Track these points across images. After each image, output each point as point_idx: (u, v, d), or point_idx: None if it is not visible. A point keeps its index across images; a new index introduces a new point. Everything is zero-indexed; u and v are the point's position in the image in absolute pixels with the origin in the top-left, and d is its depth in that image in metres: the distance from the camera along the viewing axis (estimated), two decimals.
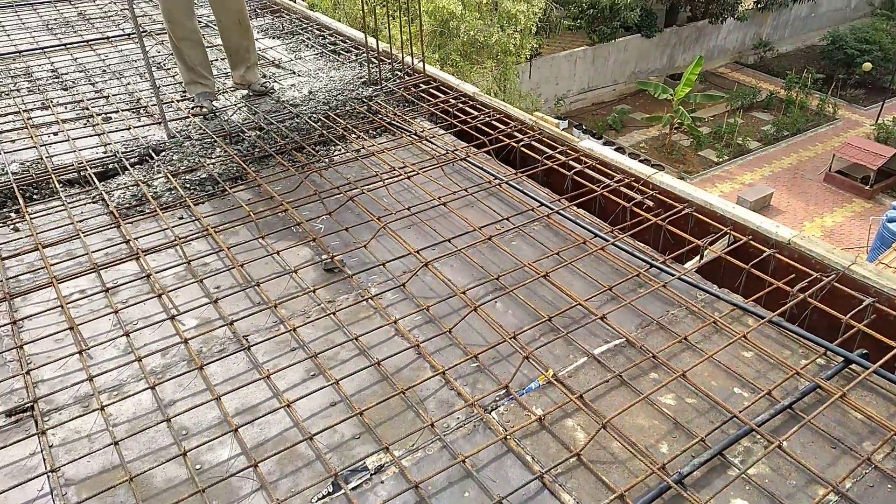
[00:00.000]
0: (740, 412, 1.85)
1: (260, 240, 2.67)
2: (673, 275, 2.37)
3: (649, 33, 19.63)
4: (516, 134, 3.38)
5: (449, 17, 9.91)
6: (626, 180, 2.91)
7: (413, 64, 4.14)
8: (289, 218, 2.80)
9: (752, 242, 2.50)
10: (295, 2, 5.56)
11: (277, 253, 2.57)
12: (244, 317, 2.25)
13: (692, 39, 20.90)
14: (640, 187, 2.86)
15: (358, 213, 2.84)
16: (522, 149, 3.25)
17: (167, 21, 3.47)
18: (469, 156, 3.21)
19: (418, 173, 3.05)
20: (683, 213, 2.67)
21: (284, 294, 2.39)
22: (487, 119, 3.53)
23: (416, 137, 3.43)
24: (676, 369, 1.98)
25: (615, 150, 15.88)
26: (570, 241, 2.64)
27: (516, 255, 2.53)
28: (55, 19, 5.40)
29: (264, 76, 4.21)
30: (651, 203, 2.77)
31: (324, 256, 2.55)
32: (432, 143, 3.38)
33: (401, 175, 3.05)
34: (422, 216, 2.79)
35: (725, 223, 2.60)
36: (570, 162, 3.08)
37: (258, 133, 3.46)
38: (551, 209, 2.80)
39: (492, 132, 3.40)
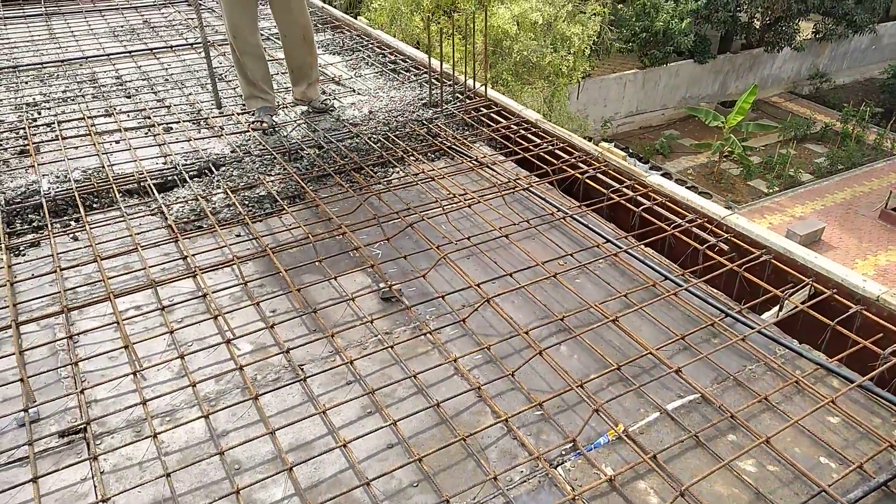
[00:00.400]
0: (829, 486, 1.70)
1: (317, 263, 2.61)
2: (752, 327, 2.23)
3: (702, 59, 19.30)
4: (581, 165, 3.27)
5: (503, 37, 9.86)
6: (698, 220, 2.77)
7: (474, 87, 4.07)
8: (346, 241, 2.74)
9: (836, 296, 2.34)
10: (356, 18, 5.56)
11: (335, 278, 2.51)
12: (300, 345, 2.19)
13: (746, 67, 20.49)
14: (714, 229, 2.72)
15: (416, 239, 2.76)
16: (587, 181, 3.14)
17: (232, 36, 3.46)
18: (531, 185, 3.12)
19: (479, 201, 2.96)
20: (760, 259, 2.53)
21: (341, 322, 2.32)
22: (550, 147, 3.43)
23: (476, 163, 3.35)
24: (758, 433, 1.84)
25: (662, 174, 15.54)
26: (639, 282, 2.52)
27: (581, 295, 2.42)
28: (122, 26, 5.51)
29: (324, 93, 4.19)
30: (725, 247, 2.62)
31: (381, 285, 2.47)
32: (493, 169, 3.30)
33: (461, 202, 2.97)
34: (482, 247, 2.70)
35: (807, 273, 2.44)
36: (638, 197, 2.96)
37: (317, 151, 3.42)
38: (618, 247, 2.68)
39: (555, 161, 3.30)
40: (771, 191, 16.27)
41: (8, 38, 5.15)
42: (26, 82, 4.33)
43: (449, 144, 3.52)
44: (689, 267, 2.59)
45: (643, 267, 2.59)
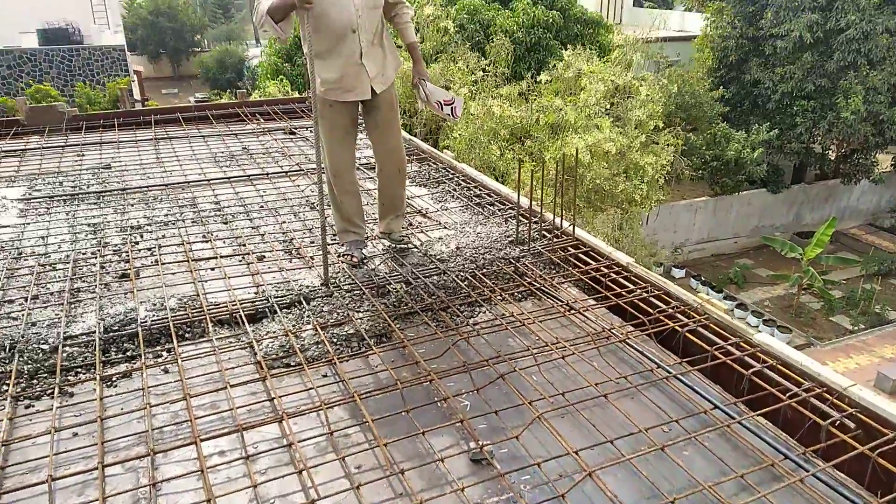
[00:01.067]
0: None
1: (405, 413, 2.51)
2: None
3: (775, 189, 19.09)
4: (679, 316, 3.12)
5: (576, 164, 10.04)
6: (816, 389, 2.55)
7: (561, 225, 4.05)
8: (434, 389, 2.64)
9: None
10: (442, 151, 5.76)
11: (423, 433, 2.39)
12: None
13: (821, 198, 20.11)
14: (834, 401, 2.48)
15: (507, 391, 2.63)
16: (687, 334, 2.98)
17: (332, 175, 3.55)
18: (628, 337, 2.97)
19: (573, 353, 2.83)
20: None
21: (429, 486, 2.17)
22: (644, 295, 3.31)
23: (566, 307, 3.25)
24: None
25: (737, 305, 14.90)
26: (755, 460, 2.28)
27: (691, 472, 2.20)
28: (222, 152, 5.86)
29: (411, 225, 4.26)
30: (851, 423, 2.38)
31: (472, 444, 2.33)
32: (585, 315, 3.19)
33: (553, 352, 2.85)
34: (578, 406, 2.54)
35: None
36: (746, 358, 2.77)
37: (405, 287, 3.41)
38: (730, 416, 2.47)
39: (651, 311, 3.17)
40: (856, 328, 15.37)
41: (120, 161, 5.55)
42: (132, 205, 4.59)
43: (537, 286, 3.45)
44: (811, 445, 2.34)
45: (758, 441, 2.36)
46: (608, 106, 11.61)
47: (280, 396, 2.57)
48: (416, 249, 3.86)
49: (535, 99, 11.33)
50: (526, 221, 3.95)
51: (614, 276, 3.55)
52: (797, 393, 2.53)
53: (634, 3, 31.06)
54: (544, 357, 2.83)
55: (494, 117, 9.73)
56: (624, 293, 3.37)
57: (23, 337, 2.86)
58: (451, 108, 3.58)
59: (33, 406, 2.53)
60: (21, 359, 2.73)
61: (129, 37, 27.27)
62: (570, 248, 3.88)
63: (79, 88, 14.83)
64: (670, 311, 3.17)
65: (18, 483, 2.15)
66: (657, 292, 3.34)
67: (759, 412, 2.50)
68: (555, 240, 3.99)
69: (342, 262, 3.68)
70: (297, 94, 10.79)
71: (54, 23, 20.17)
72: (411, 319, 3.18)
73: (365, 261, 3.72)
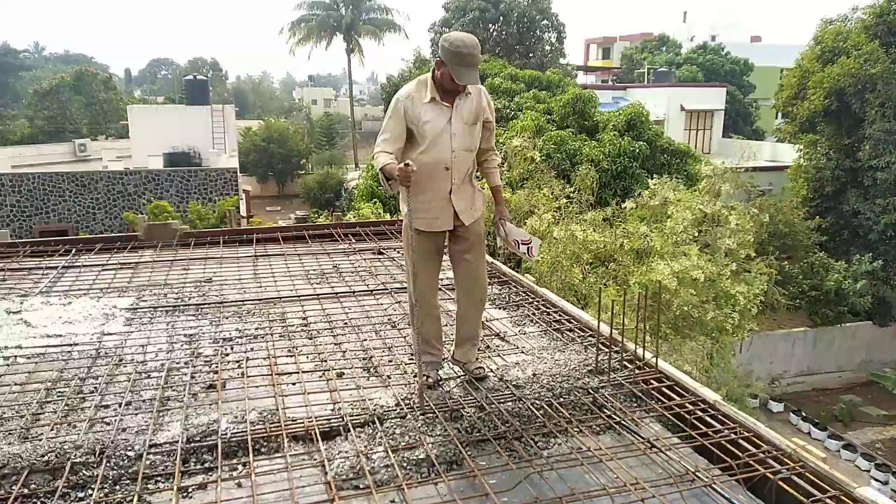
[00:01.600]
0: None
1: None
2: None
3: (883, 322, 17.81)
4: (771, 462, 2.90)
5: (662, 291, 9.83)
6: None
7: (644, 356, 3.94)
8: None
9: None
10: (524, 276, 5.83)
11: None
12: None
13: None
14: None
15: None
16: (780, 482, 2.75)
17: (416, 299, 3.61)
18: (714, 482, 2.78)
19: (654, 496, 2.67)
20: None
21: None
22: (733, 436, 3.11)
23: (648, 445, 3.09)
24: None
25: (844, 446, 13.59)
26: None
27: None
28: (314, 270, 6.18)
29: (488, 347, 4.27)
30: None
31: None
32: (666, 455, 3.02)
33: (631, 493, 2.69)
34: None
35: None
36: None
37: (478, 412, 3.38)
38: None
39: (739, 454, 2.97)
40: None
41: (221, 276, 5.95)
42: (227, 317, 4.86)
43: (616, 419, 3.33)
44: None
45: None
46: (696, 234, 11.48)
47: None
48: (491, 374, 3.84)
49: (619, 224, 11.39)
50: (606, 350, 3.88)
51: (700, 413, 3.38)
52: None
53: (724, 135, 31.37)
54: (622, 498, 2.68)
55: (577, 241, 9.80)
56: (710, 433, 3.19)
57: (112, 442, 3.01)
58: (528, 247, 3.72)
59: None
60: (108, 464, 2.86)
61: (242, 160, 29.95)
62: (652, 381, 3.75)
63: (191, 206, 16.23)
64: (761, 455, 2.95)
65: None
66: (747, 434, 3.14)
67: None
68: (637, 371, 3.87)
69: (417, 383, 3.70)
70: (388, 217, 11.38)
71: (180, 147, 22.55)
72: (483, 447, 3.12)
73: (441, 382, 3.73)
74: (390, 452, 2.98)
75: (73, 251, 6.65)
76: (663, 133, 19.56)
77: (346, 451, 3.04)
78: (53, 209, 18.95)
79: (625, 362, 3.96)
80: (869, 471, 13.48)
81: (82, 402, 3.51)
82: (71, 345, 4.26)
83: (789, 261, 17.67)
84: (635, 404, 3.54)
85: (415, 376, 3.77)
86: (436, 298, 3.74)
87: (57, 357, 4.10)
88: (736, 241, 11.43)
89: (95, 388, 3.65)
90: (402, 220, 3.67)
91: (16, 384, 3.72)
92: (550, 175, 12.59)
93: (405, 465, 2.92)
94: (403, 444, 3.08)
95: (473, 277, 3.73)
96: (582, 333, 4.49)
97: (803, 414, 16.00)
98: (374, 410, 3.38)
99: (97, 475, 2.79)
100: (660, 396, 3.60)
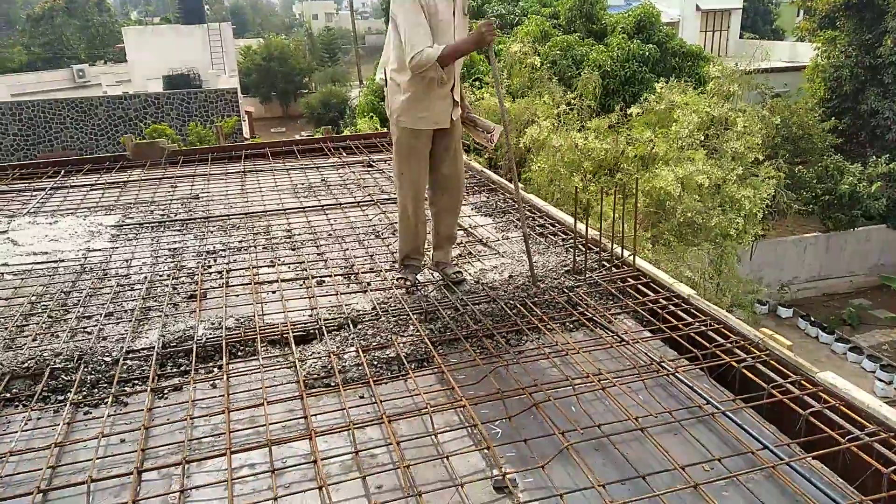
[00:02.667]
0: None
1: (433, 437, 2.48)
2: None
3: None
4: (737, 351, 2.92)
5: (666, 198, 9.69)
6: (883, 434, 2.29)
7: (622, 255, 3.92)
8: (467, 415, 2.60)
9: None
10: (511, 182, 5.75)
11: (447, 458, 2.35)
12: None
13: None
14: None
15: (540, 421, 2.55)
16: (744, 370, 2.77)
17: (414, 202, 3.60)
18: (678, 370, 2.81)
19: (614, 384, 2.71)
20: None
21: None
22: (703, 329, 3.12)
23: (617, 339, 3.12)
24: None
25: (851, 348, 13.69)
26: None
27: None
28: (302, 184, 6.14)
29: (470, 254, 4.26)
30: None
31: (495, 472, 2.27)
32: (635, 348, 3.04)
33: (594, 383, 2.73)
34: (614, 438, 2.42)
35: None
36: (806, 397, 2.54)
37: (453, 313, 3.40)
38: (778, 457, 2.27)
39: (707, 345, 2.98)
40: None
41: (208, 192, 5.94)
42: (212, 232, 4.88)
43: (589, 316, 3.34)
44: (870, 494, 2.10)
45: (809, 487, 2.15)
46: (702, 138, 11.20)
47: (315, 415, 2.62)
48: (469, 277, 3.85)
49: (624, 131, 11.12)
50: (585, 251, 3.85)
51: (673, 308, 3.38)
52: (859, 437, 2.28)
53: (741, 36, 30.04)
54: (584, 387, 2.72)
55: (578, 149, 9.61)
56: (681, 326, 3.20)
57: (91, 349, 3.09)
58: (490, 135, 3.67)
59: (90, 413, 2.72)
60: (86, 369, 2.95)
61: (243, 80, 29.40)
62: (629, 279, 3.74)
63: (190, 128, 16.08)
64: (728, 345, 2.97)
65: (64, 482, 2.30)
66: (717, 326, 3.14)
67: (813, 454, 2.28)
68: (614, 270, 3.86)
69: (395, 288, 3.73)
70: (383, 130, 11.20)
71: (178, 69, 22.11)
72: (455, 346, 3.16)
73: (418, 287, 3.75)
74: (361, 352, 3.04)
75: (61, 173, 6.65)
76: (676, 35, 18.75)
77: (319, 353, 3.10)
78: (56, 137, 18.88)
79: (604, 262, 3.94)
80: (874, 371, 13.65)
81: (65, 314, 3.59)
82: (56, 261, 4.32)
83: (803, 165, 17.28)
84: (611, 302, 3.55)
85: (395, 280, 3.80)
86: (424, 203, 3.71)
87: (42, 273, 4.16)
88: (743, 145, 11.16)
89: (78, 301, 3.72)
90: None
91: (1, 299, 3.80)
92: (552, 82, 12.19)
93: (376, 363, 2.98)
94: (375, 344, 3.13)
95: (457, 173, 3.72)
96: (565, 237, 4.46)
97: (812, 318, 16.09)
98: (349, 314, 3.42)
99: (75, 379, 2.88)
100: (635, 294, 3.60)
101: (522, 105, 11.09)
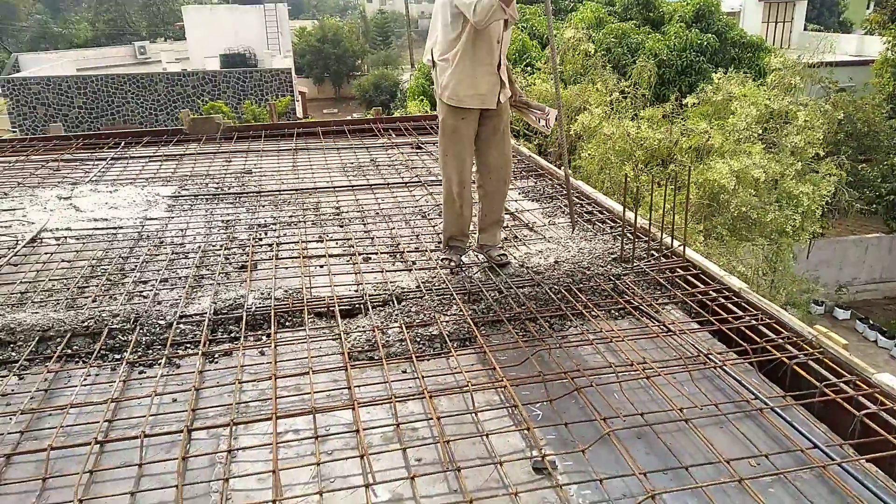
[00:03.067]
0: None
1: (473, 415, 2.50)
2: None
3: None
4: (789, 347, 2.84)
5: (720, 191, 9.44)
6: None
7: (672, 245, 3.84)
8: (507, 396, 2.60)
9: None
10: (560, 168, 5.69)
11: (486, 436, 2.36)
12: None
13: None
14: None
15: (582, 406, 2.53)
16: (795, 367, 2.70)
17: (459, 185, 3.61)
18: (726, 364, 2.75)
19: (659, 374, 2.67)
20: None
21: (484, 487, 2.14)
22: (754, 323, 3.04)
23: (663, 329, 3.07)
24: None
25: None
26: None
27: None
28: (352, 163, 6.21)
29: (516, 237, 4.25)
30: None
31: (535, 453, 2.27)
32: (681, 339, 2.99)
33: (638, 371, 2.70)
34: (657, 427, 2.39)
35: None
36: (861, 398, 2.45)
37: (496, 295, 3.40)
38: (829, 458, 2.21)
39: (758, 339, 2.91)
40: None
41: (261, 168, 6.06)
42: (263, 206, 4.98)
43: (635, 304, 3.30)
44: None
45: (861, 489, 2.08)
46: (760, 131, 10.84)
47: (358, 386, 2.66)
48: (514, 261, 3.84)
49: (678, 122, 10.85)
50: (633, 239, 3.79)
51: (723, 301, 3.30)
52: None
53: (806, 28, 28.89)
54: (628, 376, 2.69)
55: (630, 138, 9.43)
56: (731, 319, 3.12)
57: (146, 312, 3.20)
58: (546, 119, 3.63)
59: (145, 372, 2.82)
60: (141, 331, 3.06)
61: (298, 61, 29.77)
62: (678, 270, 3.67)
63: (246, 106, 16.38)
64: (780, 341, 2.88)
65: (119, 435, 2.40)
66: (769, 321, 3.06)
67: (867, 457, 2.21)
68: (663, 260, 3.79)
69: (439, 268, 3.75)
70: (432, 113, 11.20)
71: (234, 48, 22.52)
72: (497, 327, 3.16)
73: (462, 268, 3.76)
74: (405, 328, 3.07)
75: (122, 144, 6.87)
76: (736, 25, 18.14)
77: (364, 327, 3.14)
78: (118, 111, 19.50)
79: (652, 251, 3.88)
80: None
81: (123, 278, 3.72)
82: (115, 228, 4.48)
83: (867, 163, 16.57)
84: (659, 291, 3.49)
85: (440, 261, 3.81)
86: (469, 185, 3.70)
87: (102, 238, 4.32)
88: (804, 140, 10.76)
89: (135, 266, 3.86)
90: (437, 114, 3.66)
91: (64, 261, 3.97)
92: (606, 69, 11.96)
93: (418, 340, 3.01)
94: (418, 321, 3.15)
95: (504, 156, 3.71)
96: (613, 225, 4.40)
97: (870, 322, 15.50)
98: (394, 291, 3.45)
99: (131, 340, 2.99)
100: (684, 284, 3.53)
101: (574, 92, 10.93)
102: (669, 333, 3.04)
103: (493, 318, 3.20)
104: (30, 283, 3.66)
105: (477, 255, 3.95)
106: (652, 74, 12.24)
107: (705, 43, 15.16)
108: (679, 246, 3.79)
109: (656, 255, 3.83)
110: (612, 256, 3.80)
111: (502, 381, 2.64)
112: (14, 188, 5.36)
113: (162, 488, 2.14)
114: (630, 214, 3.81)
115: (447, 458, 2.25)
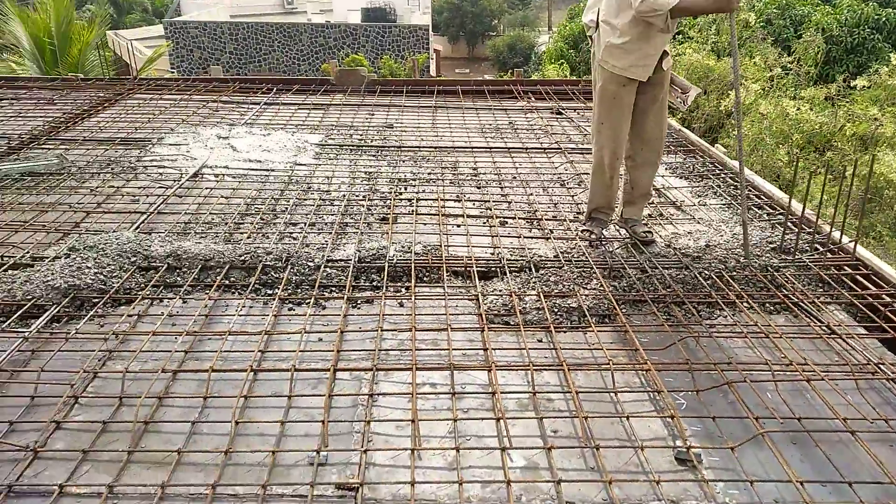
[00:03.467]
0: None
1: (612, 394, 2.42)
2: None
3: None
4: None
5: (885, 186, 8.53)
6: None
7: (840, 240, 3.50)
8: (649, 380, 2.50)
9: None
10: (713, 146, 5.34)
11: (627, 418, 2.28)
12: (573, 480, 2.01)
13: None
14: None
15: (732, 401, 2.39)
16: None
17: (613, 155, 3.47)
18: None
19: (822, 378, 2.46)
20: None
21: (623, 469, 2.07)
22: None
23: (825, 330, 2.82)
24: None
25: None
26: None
27: None
28: (489, 124, 6.15)
29: (661, 215, 4.05)
30: None
31: (678, 443, 2.17)
32: (847, 343, 2.73)
33: (797, 373, 2.50)
34: (816, 435, 2.21)
35: None
36: None
37: (639, 274, 3.26)
38: None
39: None
40: None
41: (402, 123, 6.14)
42: (403, 161, 5.05)
43: (795, 300, 3.05)
44: None
45: None
46: None
47: (493, 349, 2.66)
48: (659, 239, 3.66)
49: (844, 105, 9.86)
50: (796, 230, 3.49)
51: None
52: None
53: None
54: (785, 375, 2.50)
55: (788, 119, 8.68)
56: None
57: (296, 253, 3.35)
58: (685, 96, 3.40)
59: (294, 310, 2.97)
60: (292, 270, 3.21)
61: (435, 19, 29.83)
62: (846, 268, 3.35)
63: (384, 60, 16.68)
64: None
65: (271, 366, 2.55)
66: None
67: None
68: (829, 255, 3.47)
69: (579, 239, 3.64)
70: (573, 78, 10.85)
71: (375, 3, 22.91)
72: (639, 307, 3.04)
73: (603, 241, 3.64)
74: (543, 297, 3.02)
75: (273, 90, 7.19)
76: None
77: (500, 290, 3.12)
78: (265, 58, 20.51)
79: (816, 245, 3.56)
80: None
81: (274, 218, 3.92)
82: (268, 170, 4.72)
83: None
84: (821, 289, 3.21)
85: (579, 233, 3.71)
86: (622, 156, 3.55)
87: (256, 179, 4.57)
88: None
89: (286, 208, 4.05)
90: (589, 80, 3.51)
91: (223, 197, 4.23)
92: (766, 43, 11.03)
93: (556, 310, 2.95)
94: (556, 291, 3.09)
95: (660, 127, 3.54)
96: (772, 211, 4.08)
97: None
98: (531, 258, 3.40)
99: (282, 278, 3.15)
100: (852, 284, 3.22)
101: (728, 65, 10.18)
102: (833, 336, 2.79)
103: (634, 297, 3.08)
104: (192, 214, 3.94)
105: (619, 230, 3.80)
106: (819, 51, 11.15)
107: (884, 19, 13.59)
108: (850, 242, 3.45)
109: (821, 249, 3.51)
110: (771, 246, 3.52)
111: (645, 363, 2.54)
112: (179, 125, 5.77)
113: (309, 421, 2.25)
114: (796, 204, 3.51)
115: (585, 435, 2.20)
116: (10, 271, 3.12)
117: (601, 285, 3.13)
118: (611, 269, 3.32)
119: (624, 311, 2.97)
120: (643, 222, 3.73)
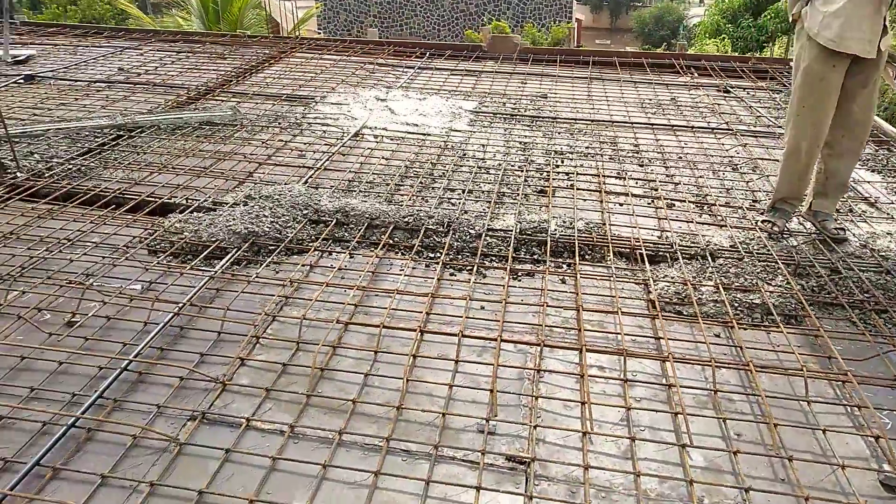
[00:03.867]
0: None
1: (803, 403, 2.21)
2: None
3: None
4: None
5: None
6: None
7: None
8: (846, 393, 2.26)
9: None
10: None
11: (823, 431, 2.07)
12: (762, 490, 1.84)
13: None
14: None
15: None
16: None
17: (812, 142, 3.15)
18: None
19: None
20: None
21: (818, 486, 1.88)
22: None
23: None
24: None
25: None
26: None
27: None
28: (650, 100, 5.83)
29: (851, 211, 3.65)
30: None
31: (887, 467, 1.94)
32: None
33: None
34: None
35: None
36: None
37: (831, 275, 2.96)
38: None
39: None
40: None
41: (555, 93, 5.95)
42: (559, 133, 4.90)
43: None
44: None
45: None
46: None
47: (667, 339, 2.50)
48: (852, 237, 3.30)
49: None
50: None
51: None
52: None
53: None
54: None
55: None
56: None
57: (457, 219, 3.32)
58: None
59: (455, 275, 2.95)
60: (454, 236, 3.19)
61: None
62: None
63: (527, 29, 16.35)
64: None
65: (437, 328, 2.54)
66: None
67: None
68: None
69: (759, 230, 3.36)
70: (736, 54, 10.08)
71: None
72: (830, 311, 2.75)
73: (786, 235, 3.33)
74: (721, 289, 2.80)
75: (426, 55, 7.21)
76: None
77: (672, 277, 2.94)
78: (406, 23, 20.75)
79: None
80: None
81: (432, 182, 3.92)
82: (424, 134, 4.73)
83: None
84: None
85: (759, 223, 3.42)
86: (822, 143, 3.21)
87: (413, 143, 4.60)
88: None
89: (443, 173, 4.04)
90: (790, 59, 3.18)
91: (383, 158, 4.29)
92: None
93: (736, 304, 2.73)
94: (737, 284, 2.86)
95: (868, 113, 3.19)
96: None
97: None
98: (707, 246, 3.18)
99: (444, 243, 3.14)
100: None
101: None
102: None
103: (827, 299, 2.79)
104: (354, 173, 4.03)
105: (803, 223, 3.47)
106: None
107: None
108: None
109: None
110: None
111: (845, 374, 2.29)
112: (339, 84, 5.93)
113: (476, 388, 2.23)
114: None
115: (775, 444, 2.02)
116: (195, 213, 3.33)
117: (787, 282, 2.87)
118: (798, 265, 3.03)
119: (814, 313, 2.70)
120: (834, 217, 3.38)
